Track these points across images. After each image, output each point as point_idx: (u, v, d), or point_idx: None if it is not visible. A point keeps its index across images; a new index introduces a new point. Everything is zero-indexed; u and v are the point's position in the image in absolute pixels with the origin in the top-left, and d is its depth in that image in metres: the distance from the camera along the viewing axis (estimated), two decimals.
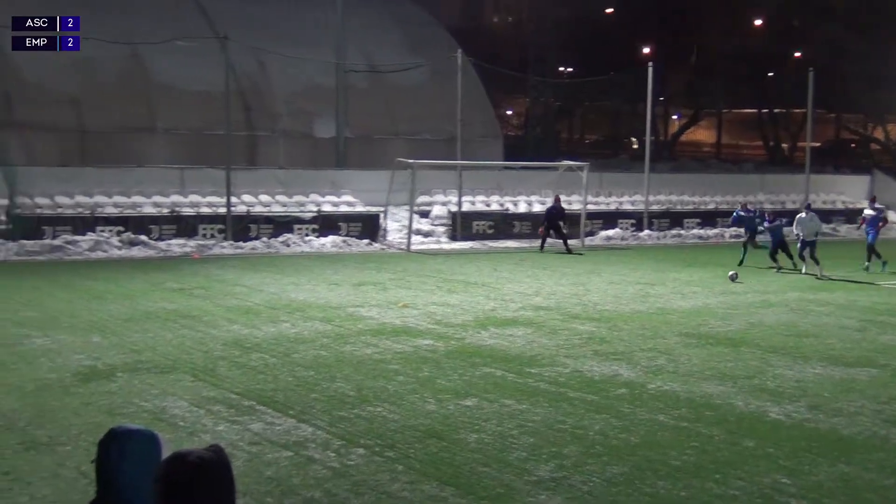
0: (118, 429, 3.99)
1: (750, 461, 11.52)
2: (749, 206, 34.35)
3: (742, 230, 33.13)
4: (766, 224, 30.43)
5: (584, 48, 67.15)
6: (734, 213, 33.82)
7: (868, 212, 32.29)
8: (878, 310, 23.04)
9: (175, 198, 34.86)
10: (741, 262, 30.43)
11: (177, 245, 31.64)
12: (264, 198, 36.20)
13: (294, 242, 33.10)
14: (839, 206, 48.14)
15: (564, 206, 39.82)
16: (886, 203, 48.85)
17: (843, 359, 17.41)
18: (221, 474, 3.72)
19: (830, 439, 12.50)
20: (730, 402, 14.17)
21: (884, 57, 54.99)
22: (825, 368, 16.60)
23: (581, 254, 34.22)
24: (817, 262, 28.90)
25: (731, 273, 27.30)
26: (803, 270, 29.30)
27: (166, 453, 3.92)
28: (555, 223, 34.59)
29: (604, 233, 38.74)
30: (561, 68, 70.65)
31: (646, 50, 67.83)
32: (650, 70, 40.56)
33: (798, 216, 29.90)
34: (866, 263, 30.71)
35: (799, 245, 29.42)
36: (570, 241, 34.51)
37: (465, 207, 37.92)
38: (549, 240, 34.42)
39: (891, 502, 10.39)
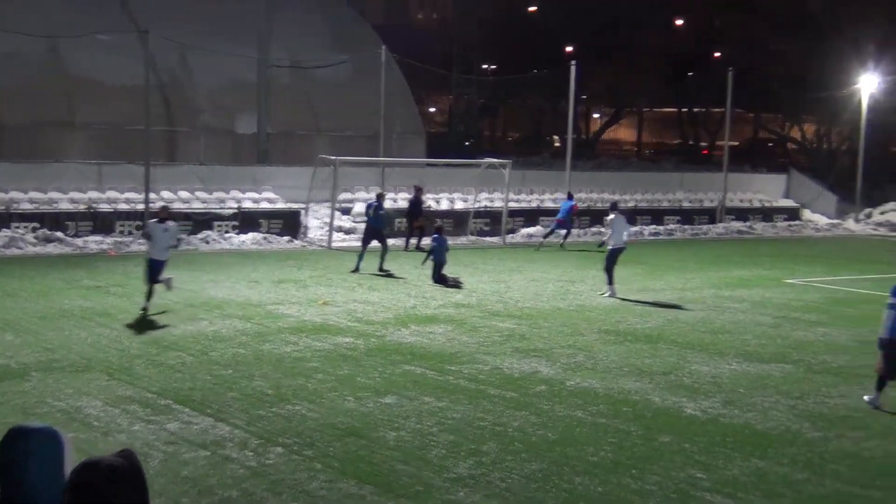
0: (21, 427, 3.91)
1: (666, 456, 11.66)
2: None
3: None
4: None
5: (508, 46, 67.45)
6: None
7: None
8: (793, 306, 23.43)
9: (93, 193, 34.33)
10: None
11: (93, 242, 31.16)
12: (184, 194, 35.79)
13: (214, 239, 32.78)
14: (756, 204, 48.87)
15: (487, 203, 39.99)
16: (802, 202, 49.85)
17: (758, 355, 17.69)
18: (133, 480, 3.67)
19: (745, 434, 12.70)
20: (647, 398, 14.32)
21: (802, 58, 55.92)
22: (740, 364, 16.86)
23: (420, 249, 34.01)
24: (610, 278, 24.13)
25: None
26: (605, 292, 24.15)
27: (69, 451, 3.85)
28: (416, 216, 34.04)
29: (525, 230, 38.90)
30: (484, 66, 70.86)
31: (568, 49, 68.28)
32: (572, 68, 40.82)
33: (608, 218, 25.85)
34: None
35: (608, 254, 24.31)
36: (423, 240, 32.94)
37: (388, 204, 37.81)
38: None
39: (804, 496, 10.57)
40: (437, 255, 25.75)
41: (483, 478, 10.75)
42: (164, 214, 20.85)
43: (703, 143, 75.76)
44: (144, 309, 19.94)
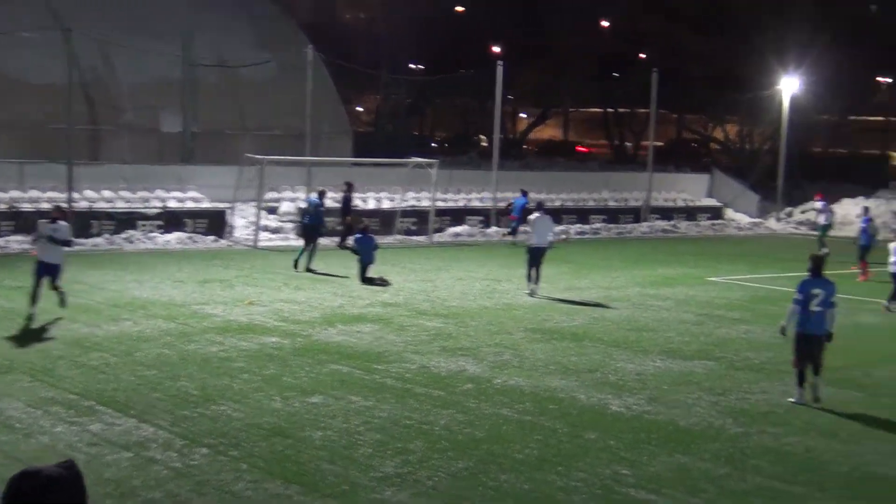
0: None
1: (591, 453, 11.77)
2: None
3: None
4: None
5: (435, 46, 67.51)
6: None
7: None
8: (716, 304, 23.75)
9: (14, 193, 33.77)
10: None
11: (15, 242, 30.65)
12: (107, 193, 35.31)
13: (138, 239, 32.40)
14: (680, 203, 49.43)
15: (414, 202, 39.99)
16: (724, 201, 50.55)
17: (681, 352, 17.91)
18: (72, 490, 3.63)
19: (668, 430, 12.85)
20: (573, 396, 14.44)
21: (724, 59, 56.64)
22: (664, 362, 17.06)
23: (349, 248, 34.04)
24: (538, 278, 24.14)
25: None
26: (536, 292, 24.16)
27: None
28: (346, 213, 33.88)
29: (452, 229, 38.95)
30: (412, 66, 70.85)
31: (496, 49, 68.52)
32: (499, 68, 40.96)
33: (532, 217, 25.32)
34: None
35: (529, 255, 24.33)
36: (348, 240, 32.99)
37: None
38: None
39: (726, 491, 10.73)
40: (365, 255, 25.72)
41: (410, 476, 10.77)
42: (57, 214, 19.72)
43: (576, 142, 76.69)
44: (30, 316, 18.66)
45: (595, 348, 18.00)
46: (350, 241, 27.70)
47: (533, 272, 24.20)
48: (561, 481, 10.77)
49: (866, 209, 31.27)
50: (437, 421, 12.86)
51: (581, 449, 11.94)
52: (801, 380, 14.63)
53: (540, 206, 25.64)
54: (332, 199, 32.35)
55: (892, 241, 26.66)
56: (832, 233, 39.67)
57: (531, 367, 16.24)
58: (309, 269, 26.79)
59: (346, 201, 34.14)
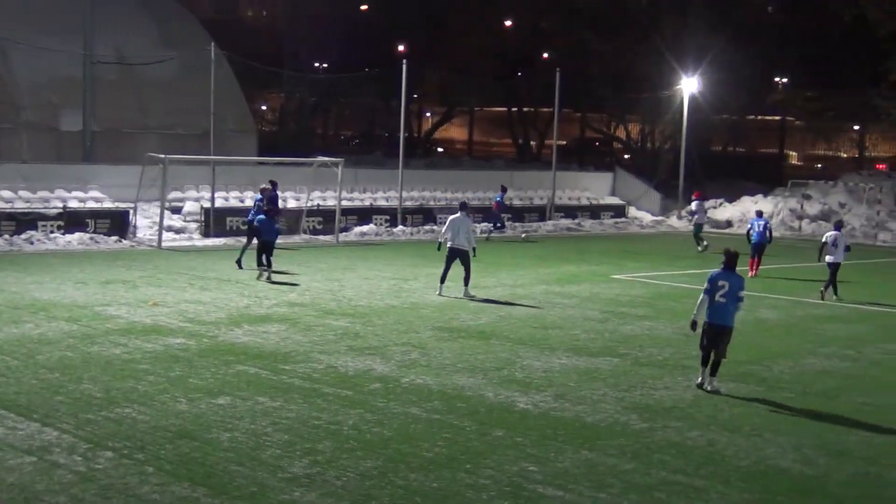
0: None
1: (499, 450, 11.86)
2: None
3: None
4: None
5: (340, 44, 67.29)
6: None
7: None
8: (620, 301, 24.06)
9: None
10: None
11: None
12: (6, 193, 34.61)
13: (38, 240, 31.79)
14: (584, 202, 50.00)
15: (320, 201, 39.85)
16: (627, 199, 51.24)
17: (587, 349, 18.12)
18: None
19: (575, 427, 13.01)
20: (480, 394, 14.53)
21: (626, 59, 57.37)
22: (570, 359, 17.24)
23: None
24: (466, 280, 23.78)
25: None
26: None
27: None
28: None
29: (358, 228, 38.89)
30: (316, 64, 70.54)
31: (400, 48, 68.57)
32: (404, 67, 41.00)
33: (452, 217, 24.48)
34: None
35: (448, 256, 23.99)
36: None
37: (219, 203, 37.34)
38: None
39: (631, 485, 10.89)
40: (267, 234, 25.88)
41: (318, 476, 10.75)
42: None
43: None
44: None
45: (502, 346, 18.12)
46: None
47: (447, 273, 24.01)
48: (470, 479, 10.84)
49: (760, 213, 32.09)
50: (346, 421, 12.85)
51: (489, 446, 12.02)
52: (705, 362, 15.33)
53: (463, 206, 24.84)
54: (225, 199, 32.13)
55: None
56: (730, 230, 40.52)
57: (439, 366, 16.30)
58: (238, 263, 27.23)
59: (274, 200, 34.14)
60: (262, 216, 26.35)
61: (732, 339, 15.34)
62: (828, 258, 25.67)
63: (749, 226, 31.12)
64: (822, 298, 25.45)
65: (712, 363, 15.25)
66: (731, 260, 15.48)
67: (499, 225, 39.45)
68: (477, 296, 23.64)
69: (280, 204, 32.09)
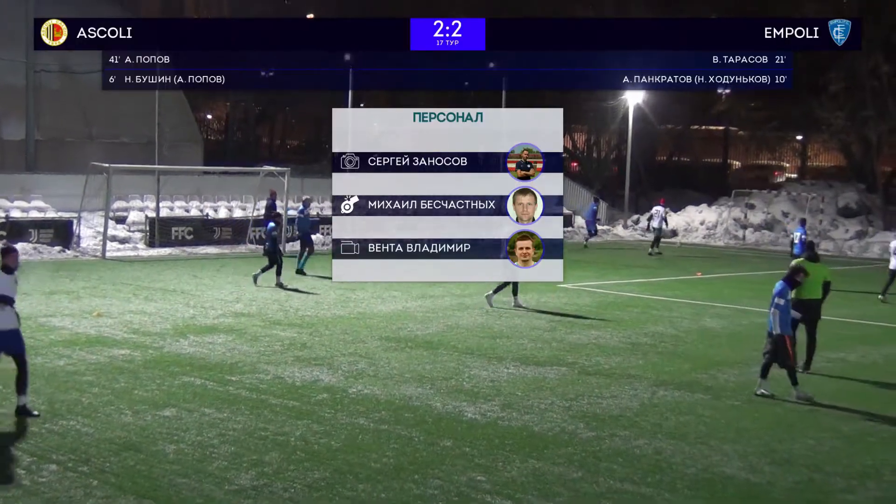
0: None
1: (447, 460, 11.86)
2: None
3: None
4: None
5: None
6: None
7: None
8: (567, 310, 24.16)
9: None
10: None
11: None
12: None
13: None
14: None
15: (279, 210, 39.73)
16: (573, 209, 51.46)
17: (534, 358, 18.17)
18: None
19: (522, 436, 13.03)
20: (428, 404, 14.52)
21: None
22: (517, 368, 17.28)
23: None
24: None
25: None
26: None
27: None
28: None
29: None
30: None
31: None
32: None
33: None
34: None
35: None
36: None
37: (164, 213, 37.10)
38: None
39: (579, 494, 10.93)
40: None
41: (266, 488, 10.69)
42: None
43: None
44: None
45: (449, 356, 18.12)
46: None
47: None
48: (418, 489, 10.83)
49: (803, 220, 33.62)
50: (293, 432, 12.80)
51: (437, 456, 12.02)
52: (765, 372, 15.79)
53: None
54: (170, 209, 32.16)
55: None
56: (674, 239, 41.11)
57: (386, 376, 16.28)
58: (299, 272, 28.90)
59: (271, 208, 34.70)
60: (270, 223, 27.60)
61: (678, 346, 15.45)
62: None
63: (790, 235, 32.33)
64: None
65: (787, 374, 15.62)
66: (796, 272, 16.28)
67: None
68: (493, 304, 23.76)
69: (225, 214, 32.32)
